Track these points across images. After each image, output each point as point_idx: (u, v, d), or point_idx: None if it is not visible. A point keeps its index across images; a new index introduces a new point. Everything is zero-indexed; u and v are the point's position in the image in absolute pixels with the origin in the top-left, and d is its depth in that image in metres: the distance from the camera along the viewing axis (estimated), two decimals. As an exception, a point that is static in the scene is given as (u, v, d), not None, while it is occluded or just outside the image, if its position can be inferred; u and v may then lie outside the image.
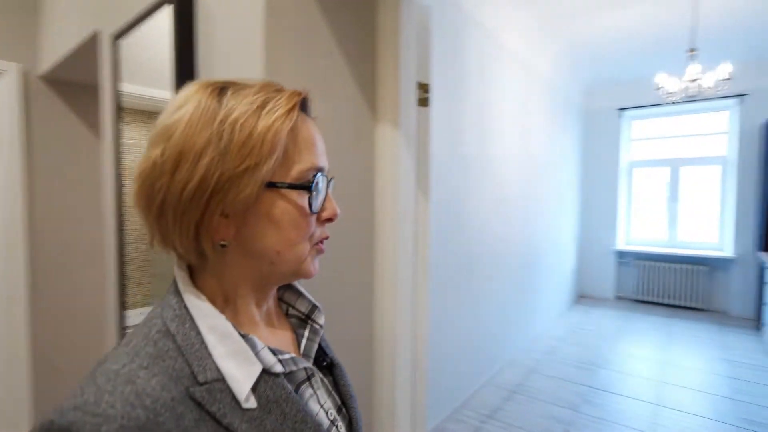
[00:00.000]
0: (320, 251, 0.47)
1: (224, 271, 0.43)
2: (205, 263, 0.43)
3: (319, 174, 0.44)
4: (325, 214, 0.46)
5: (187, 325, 0.39)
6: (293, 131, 0.42)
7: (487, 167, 2.94)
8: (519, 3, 3.04)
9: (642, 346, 3.78)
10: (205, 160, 0.37)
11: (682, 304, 4.93)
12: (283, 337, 0.50)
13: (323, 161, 0.46)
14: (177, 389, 0.35)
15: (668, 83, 2.83)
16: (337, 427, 0.48)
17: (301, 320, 0.53)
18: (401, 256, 1.01)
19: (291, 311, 0.54)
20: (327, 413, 0.48)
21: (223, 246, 0.41)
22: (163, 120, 0.40)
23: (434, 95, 2.28)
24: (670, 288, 5.01)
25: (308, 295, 0.54)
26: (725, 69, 2.63)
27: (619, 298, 5.46)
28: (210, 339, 0.39)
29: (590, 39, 3.85)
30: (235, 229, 0.41)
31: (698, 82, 2.65)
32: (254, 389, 0.39)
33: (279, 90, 0.42)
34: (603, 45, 4.00)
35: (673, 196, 5.16)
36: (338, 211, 0.47)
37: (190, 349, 0.38)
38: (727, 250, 4.72)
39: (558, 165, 4.54)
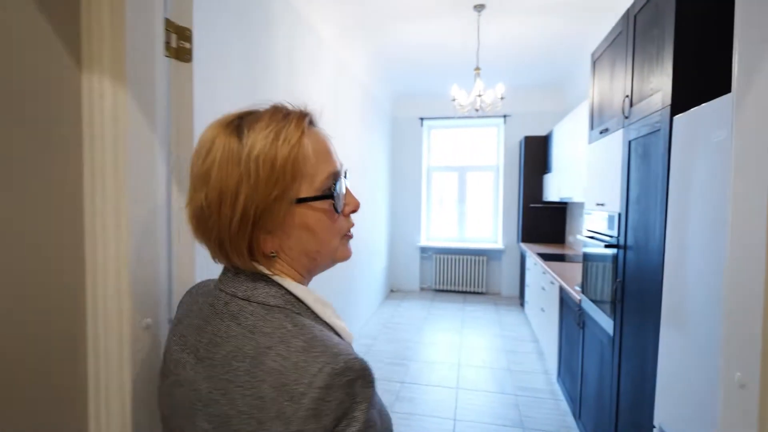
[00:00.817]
0: (349, 238, 0.58)
1: (296, 267, 0.55)
2: (276, 268, 0.53)
3: (337, 178, 0.54)
4: (348, 209, 0.57)
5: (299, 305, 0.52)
6: (308, 151, 0.50)
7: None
8: (330, -6, 2.90)
9: (443, 332, 4.19)
10: (242, 197, 0.46)
11: (470, 290, 5.77)
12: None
13: (337, 163, 0.56)
14: (357, 358, 0.47)
15: (460, 96, 3.13)
16: None
17: None
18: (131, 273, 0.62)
19: None
20: None
21: (273, 256, 0.51)
22: (198, 167, 0.48)
23: (233, 74, 1.88)
24: (460, 277, 5.80)
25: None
26: (500, 89, 3.08)
27: (422, 289, 6.05)
28: (317, 308, 0.54)
29: (396, 49, 4.04)
30: (279, 241, 0.51)
31: (482, 97, 3.01)
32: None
33: (286, 115, 0.52)
34: (407, 57, 4.27)
35: (461, 197, 6.00)
36: (359, 202, 0.58)
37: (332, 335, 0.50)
38: (499, 243, 5.75)
39: (370, 167, 4.66)
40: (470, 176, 5.98)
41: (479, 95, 2.95)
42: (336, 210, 0.53)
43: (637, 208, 1.57)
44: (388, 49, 4.00)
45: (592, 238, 2.12)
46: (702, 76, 1.29)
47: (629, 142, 1.66)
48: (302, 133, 0.50)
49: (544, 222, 5.09)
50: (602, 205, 1.99)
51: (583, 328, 2.26)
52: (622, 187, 1.71)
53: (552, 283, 3.09)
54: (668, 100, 1.32)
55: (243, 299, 0.50)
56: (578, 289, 2.58)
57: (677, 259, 1.23)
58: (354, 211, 0.57)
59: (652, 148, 1.45)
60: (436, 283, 5.93)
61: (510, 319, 4.60)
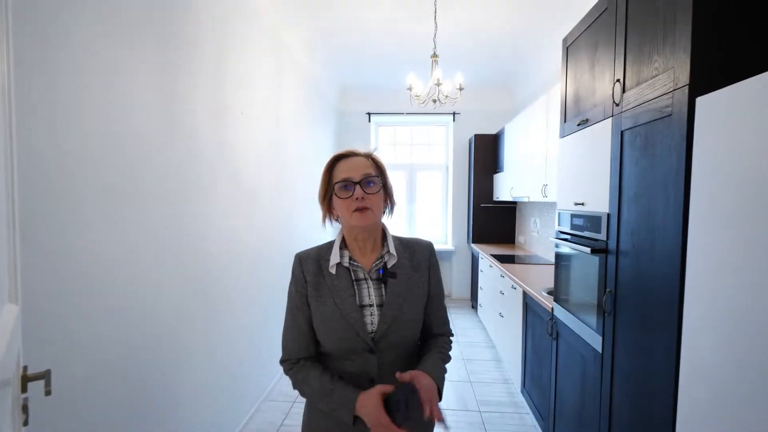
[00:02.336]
0: (358, 210, 0.96)
1: (344, 226, 1.04)
2: (342, 225, 1.04)
3: (342, 181, 0.97)
4: (354, 196, 0.96)
5: (330, 243, 1.05)
6: (334, 170, 1.01)
7: (229, 159, 2.24)
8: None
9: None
10: (322, 191, 1.04)
11: (420, 293, 5.54)
12: (364, 259, 1.03)
13: (346, 175, 0.98)
14: (317, 256, 1.03)
15: (417, 85, 2.85)
16: (371, 309, 0.99)
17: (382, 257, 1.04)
18: None
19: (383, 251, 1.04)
20: (369, 296, 0.99)
21: (337, 219, 1.05)
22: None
23: (134, 42, 1.42)
24: (411, 280, 5.55)
25: (389, 244, 1.04)
26: (459, 79, 2.84)
27: (371, 294, 5.72)
28: (336, 245, 1.03)
29: (343, 33, 3.68)
30: (337, 213, 1.03)
31: (440, 87, 2.76)
32: (336, 267, 1.00)
33: (337, 153, 1.04)
34: (355, 43, 3.92)
35: (411, 197, 5.78)
36: (361, 193, 0.95)
37: (327, 248, 1.04)
38: (449, 243, 5.59)
39: (314, 162, 4.25)
40: (420, 175, 5.77)
41: (437, 84, 2.68)
42: (342, 197, 0.98)
43: (636, 208, 1.36)
44: (334, 32, 3.62)
45: (566, 240, 1.92)
46: (721, 50, 1.09)
47: (622, 133, 1.45)
48: (332, 163, 1.04)
49: (494, 222, 5.00)
50: (581, 204, 1.79)
51: (556, 339, 2.07)
52: (612, 184, 1.51)
53: (513, 287, 2.91)
54: (685, 79, 1.11)
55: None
56: (546, 294, 2.40)
57: (708, 265, 1.01)
58: (358, 199, 0.96)
59: (657, 137, 1.24)
60: (385, 287, 5.63)
61: (463, 323, 4.43)
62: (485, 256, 4.02)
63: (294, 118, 3.45)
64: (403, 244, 1.08)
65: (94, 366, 1.28)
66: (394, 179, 5.70)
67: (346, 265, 1.01)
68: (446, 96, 2.89)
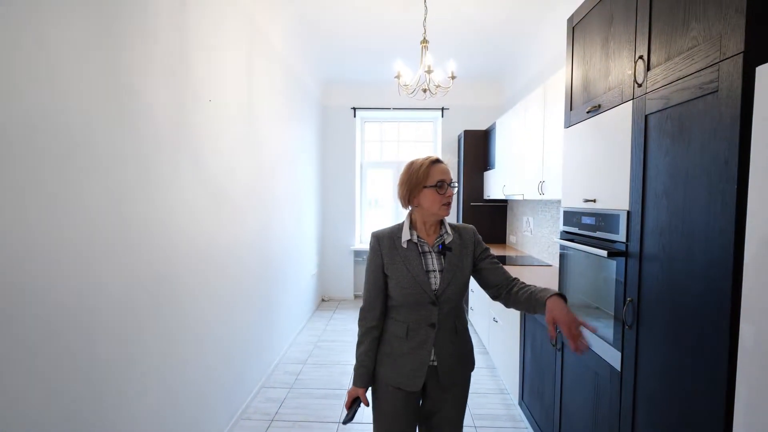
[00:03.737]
0: (446, 204, 1.31)
1: (418, 213, 1.35)
2: (415, 211, 1.37)
3: (441, 181, 1.30)
4: (446, 194, 1.30)
5: (401, 223, 1.39)
6: (430, 170, 1.31)
7: (193, 150, 1.97)
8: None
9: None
10: (405, 181, 1.34)
11: (408, 295, 5.33)
12: (428, 237, 1.36)
13: (442, 177, 1.31)
14: (391, 234, 1.37)
15: (405, 73, 2.63)
16: (435, 273, 1.33)
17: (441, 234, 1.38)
18: None
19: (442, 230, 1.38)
20: (432, 264, 1.33)
21: (417, 206, 1.34)
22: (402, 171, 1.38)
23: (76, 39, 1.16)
24: (398, 282, 5.34)
25: (446, 227, 1.38)
26: (450, 66, 2.62)
27: (357, 296, 5.49)
28: (406, 226, 1.36)
29: (324, 19, 3.43)
30: (418, 201, 1.33)
31: (431, 76, 2.54)
32: (407, 243, 1.34)
33: (428, 158, 1.34)
34: (338, 31, 3.67)
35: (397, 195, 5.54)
36: (452, 192, 1.32)
37: (398, 228, 1.38)
38: (438, 243, 5.38)
39: (297, 160, 3.99)
40: (407, 173, 5.54)
41: (427, 71, 2.46)
42: (438, 192, 1.31)
43: (666, 205, 1.16)
44: (315, 19, 3.37)
45: (572, 241, 1.72)
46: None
47: (646, 117, 1.25)
48: (428, 165, 1.33)
49: (485, 221, 4.82)
50: (592, 201, 1.59)
51: (561, 350, 1.87)
52: (634, 178, 1.31)
53: (510, 291, 2.70)
54: (736, 46, 0.91)
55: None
56: (547, 300, 2.20)
57: (775, 280, 0.81)
58: (448, 196, 1.33)
59: (696, 119, 1.04)
60: (371, 290, 5.40)
61: (454, 328, 4.23)
62: (477, 257, 3.82)
63: (272, 111, 3.18)
64: (453, 227, 1.42)
65: (17, 390, 1.01)
66: (381, 177, 5.36)
67: (415, 241, 1.36)
68: (437, 86, 2.67)
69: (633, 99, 1.32)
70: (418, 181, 1.31)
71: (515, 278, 1.40)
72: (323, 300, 5.35)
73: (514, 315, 2.62)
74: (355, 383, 1.38)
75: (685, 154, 1.09)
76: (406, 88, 2.67)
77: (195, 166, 1.95)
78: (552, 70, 3.43)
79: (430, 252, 1.36)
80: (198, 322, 1.99)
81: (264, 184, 3.00)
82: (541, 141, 2.92)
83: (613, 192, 1.44)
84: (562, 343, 1.86)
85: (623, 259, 1.36)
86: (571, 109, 1.82)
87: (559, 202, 3.24)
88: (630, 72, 1.34)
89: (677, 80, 1.11)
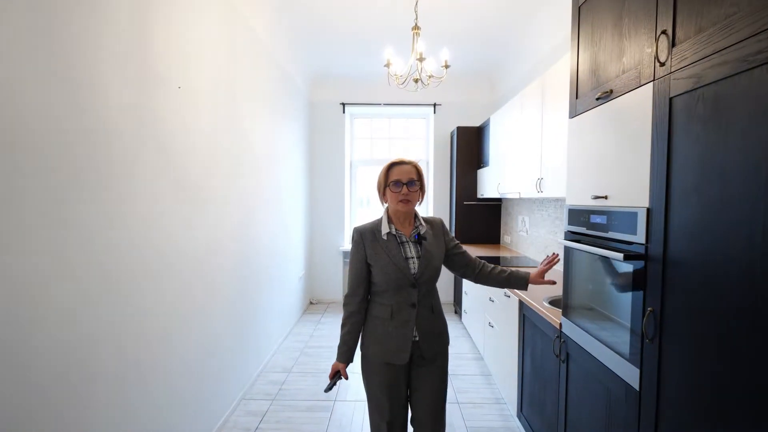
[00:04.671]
0: (402, 201, 1.50)
1: (390, 208, 1.56)
2: (389, 207, 1.57)
3: (395, 181, 1.51)
4: (401, 191, 1.49)
5: (381, 218, 1.58)
6: (390, 172, 1.53)
7: (159, 144, 1.77)
8: None
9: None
10: (378, 183, 1.59)
11: (400, 297, 5.15)
12: (404, 229, 1.56)
13: (398, 178, 1.50)
14: (372, 229, 1.56)
15: (396, 62, 2.45)
16: (413, 260, 1.53)
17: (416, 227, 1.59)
18: None
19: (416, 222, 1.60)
20: (410, 252, 1.53)
21: (387, 203, 1.58)
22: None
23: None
24: (389, 283, 5.16)
25: (420, 220, 1.60)
26: (444, 55, 2.45)
27: (347, 299, 5.30)
28: (384, 220, 1.56)
29: (311, 10, 3.24)
30: (386, 199, 1.57)
31: (423, 64, 2.36)
32: (387, 235, 1.53)
33: (389, 161, 1.56)
34: (325, 25, 3.48)
35: (389, 194, 5.37)
36: (406, 191, 1.50)
37: (378, 223, 1.57)
38: (430, 244, 5.21)
39: (283, 158, 3.79)
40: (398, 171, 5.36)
41: (419, 59, 2.28)
42: (393, 190, 1.51)
43: (698, 201, 0.99)
44: (301, 8, 3.18)
45: (578, 241, 1.56)
46: None
47: (671, 101, 1.09)
48: (387, 168, 1.54)
49: (478, 220, 4.66)
50: (603, 198, 1.42)
51: (567, 361, 1.71)
52: (656, 170, 1.15)
53: (507, 295, 2.55)
54: (796, 7, 0.74)
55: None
56: (549, 305, 2.04)
57: None
58: (404, 195, 1.51)
59: (737, 99, 0.88)
60: (361, 292, 5.22)
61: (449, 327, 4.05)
62: (471, 258, 3.65)
63: (257, 104, 2.99)
64: (425, 220, 1.64)
65: None
66: (371, 176, 5.16)
67: (394, 233, 1.54)
68: (429, 76, 2.50)
69: (654, 80, 1.16)
70: (383, 182, 1.56)
71: (482, 261, 1.74)
72: (311, 302, 5.15)
73: (511, 320, 2.46)
74: (338, 359, 1.59)
75: (721, 142, 0.92)
76: (396, 78, 2.49)
77: (163, 166, 1.75)
78: (549, 63, 3.28)
79: (407, 242, 1.57)
80: (162, 332, 1.79)
81: (246, 183, 2.80)
82: (539, 136, 2.77)
83: (629, 187, 1.28)
84: (567, 354, 1.70)
85: (642, 262, 1.19)
86: (577, 98, 1.66)
87: (557, 200, 3.09)
88: (650, 50, 1.18)
89: (712, 54, 0.95)
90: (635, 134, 1.25)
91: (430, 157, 5.21)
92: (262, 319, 3.17)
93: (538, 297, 2.18)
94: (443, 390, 1.63)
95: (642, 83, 1.22)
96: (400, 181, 1.50)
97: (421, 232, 1.57)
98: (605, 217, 1.41)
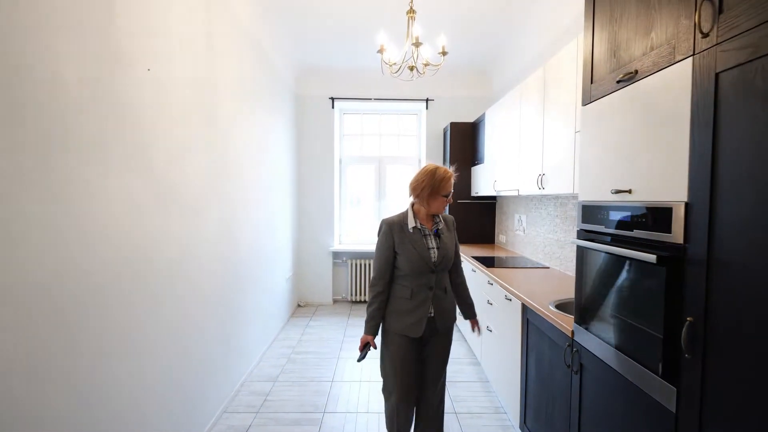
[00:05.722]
0: (443, 206, 1.83)
1: (423, 207, 1.82)
2: (419, 204, 1.83)
3: (447, 193, 1.80)
4: (447, 200, 1.82)
5: (405, 213, 1.86)
6: (447, 183, 1.78)
7: (127, 132, 1.56)
8: None
9: (367, 360, 3.29)
10: (428, 185, 1.78)
11: (391, 299, 4.99)
12: (427, 224, 1.84)
13: (451, 190, 1.80)
14: (399, 222, 1.82)
15: (389, 48, 2.27)
16: (433, 250, 1.81)
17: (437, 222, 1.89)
18: None
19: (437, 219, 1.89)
20: (431, 243, 1.82)
21: (424, 203, 1.80)
22: (417, 172, 1.85)
23: None
24: (380, 285, 4.99)
25: (439, 217, 1.89)
26: (441, 41, 2.29)
27: (336, 301, 5.11)
28: (410, 215, 1.83)
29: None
30: (428, 201, 1.79)
31: (419, 50, 2.19)
32: (413, 229, 1.81)
33: (447, 172, 1.79)
34: (313, 12, 3.29)
35: (380, 193, 5.20)
36: (450, 200, 1.84)
37: (404, 217, 1.84)
38: (422, 244, 5.05)
39: (268, 154, 3.58)
40: (390, 169, 5.20)
41: (415, 44, 2.11)
42: (446, 198, 1.82)
43: (752, 193, 0.84)
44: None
45: (593, 240, 1.41)
46: None
47: (717, 76, 0.93)
48: (449, 178, 1.79)
49: (473, 219, 4.52)
50: (626, 192, 1.27)
51: (580, 373, 1.55)
52: (697, 158, 0.99)
53: (508, 298, 2.39)
54: None
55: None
56: (556, 310, 1.89)
57: None
58: (450, 202, 1.85)
59: (816, 68, 0.72)
60: (352, 294, 5.04)
61: (441, 335, 3.89)
62: (466, 258, 3.50)
63: (239, 96, 2.78)
64: (442, 218, 1.92)
65: None
66: (362, 173, 4.97)
67: (419, 227, 1.83)
68: (425, 64, 2.33)
69: (694, 54, 1.01)
70: (437, 189, 1.78)
71: (459, 270, 2.03)
72: (299, 305, 4.95)
73: (513, 325, 2.31)
74: (366, 332, 1.86)
75: (790, 120, 0.77)
76: (390, 66, 2.32)
77: (129, 155, 1.55)
78: (548, 55, 3.14)
79: (429, 235, 1.84)
80: (130, 345, 1.58)
81: (228, 180, 2.60)
82: (541, 130, 2.62)
83: (660, 179, 1.12)
84: (581, 364, 1.55)
85: (679, 265, 1.04)
86: (592, 82, 1.51)
87: (558, 197, 2.94)
88: (688, 21, 1.03)
89: (776, 17, 0.79)
90: (668, 118, 1.09)
91: (423, 154, 5.05)
92: (246, 325, 2.97)
93: (543, 301, 2.03)
94: (447, 354, 1.98)
95: (677, 59, 1.06)
96: (450, 193, 1.81)
97: (440, 227, 1.87)
98: (629, 213, 1.25)
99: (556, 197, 3.01)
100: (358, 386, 2.88)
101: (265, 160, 3.49)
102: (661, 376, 1.10)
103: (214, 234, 2.38)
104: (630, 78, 1.26)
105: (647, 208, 1.17)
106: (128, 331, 1.56)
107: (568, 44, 2.26)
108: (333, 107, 4.89)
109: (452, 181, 1.80)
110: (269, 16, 3.27)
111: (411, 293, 1.80)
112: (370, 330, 1.85)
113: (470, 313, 2.07)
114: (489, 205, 4.52)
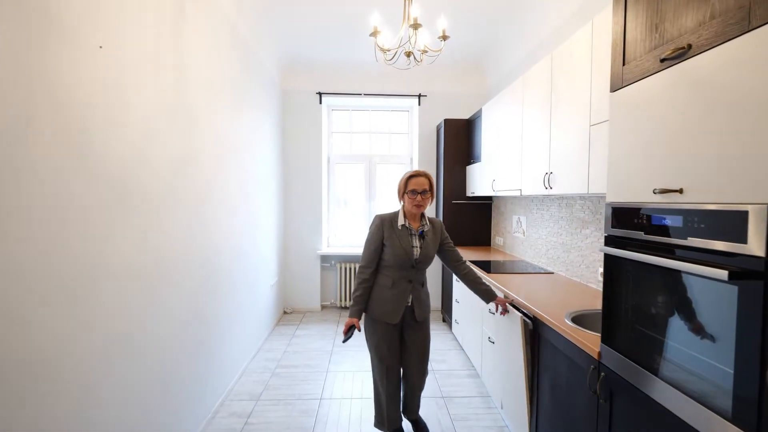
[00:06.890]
0: (416, 205, 2.00)
1: (405, 207, 2.06)
2: (404, 206, 2.08)
3: (412, 191, 2.00)
4: (416, 199, 1.99)
5: (398, 212, 2.08)
6: (408, 182, 2.02)
7: (68, 117, 1.29)
8: None
9: (358, 373, 3.06)
10: (398, 187, 2.09)
11: (382, 304, 4.75)
12: (414, 224, 2.05)
13: (414, 188, 2.00)
14: (391, 219, 2.06)
15: (384, 33, 2.03)
16: (416, 248, 2.04)
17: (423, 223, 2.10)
18: None
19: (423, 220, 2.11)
20: (415, 242, 2.04)
21: (403, 204, 2.07)
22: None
23: None
24: (371, 290, 4.74)
25: (425, 220, 2.10)
26: (441, 25, 2.06)
27: (325, 307, 4.85)
28: (401, 215, 2.06)
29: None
30: (403, 200, 2.06)
31: (417, 32, 1.96)
32: (401, 226, 2.04)
33: (408, 173, 2.04)
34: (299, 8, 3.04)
35: (370, 194, 4.96)
36: (420, 198, 2.00)
37: (396, 215, 2.07)
38: (415, 246, 4.83)
39: (250, 152, 3.31)
40: (380, 169, 4.96)
41: (413, 26, 1.88)
42: (411, 196, 2.01)
43: None
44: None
45: (625, 247, 1.20)
46: None
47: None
48: (408, 178, 2.02)
49: (468, 221, 4.31)
50: (676, 192, 1.06)
51: (610, 401, 1.34)
52: (787, 148, 0.78)
53: (514, 306, 2.17)
54: None
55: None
56: (573, 325, 1.68)
57: None
58: (418, 201, 2.01)
59: None
60: (341, 299, 4.79)
61: (436, 343, 3.66)
62: (463, 262, 3.28)
63: (215, 86, 2.51)
64: (429, 220, 2.12)
65: None
66: (351, 173, 4.72)
67: (407, 226, 2.04)
68: (423, 51, 2.10)
69: (783, 18, 0.79)
70: (404, 188, 2.04)
71: (463, 261, 2.20)
72: (285, 312, 4.67)
73: (516, 336, 2.09)
74: (351, 315, 2.03)
75: None
76: (384, 52, 2.08)
77: (72, 146, 1.28)
78: (550, 46, 2.95)
79: (415, 234, 2.05)
80: (76, 370, 1.31)
81: (202, 178, 2.33)
82: (547, 124, 2.41)
83: (727, 176, 0.91)
84: (610, 391, 1.33)
85: (761, 283, 0.83)
86: (624, 64, 1.29)
87: (563, 197, 2.74)
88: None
89: None
90: (738, 101, 0.88)
91: (415, 153, 4.83)
92: (224, 338, 2.70)
93: (558, 313, 1.82)
94: (427, 346, 2.18)
95: (753, 26, 0.85)
96: (416, 191, 1.99)
97: (425, 230, 2.07)
98: (680, 218, 1.04)
99: (561, 197, 2.81)
100: (349, 404, 2.64)
101: (247, 157, 3.21)
102: (730, 420, 0.89)
103: (184, 238, 2.11)
104: (681, 54, 1.05)
105: (708, 212, 0.96)
106: (78, 347, 1.29)
107: (580, 28, 2.06)
108: (321, 102, 4.63)
109: (417, 180, 1.98)
110: (252, 4, 3.00)
111: (392, 282, 2.02)
112: (356, 313, 2.03)
113: (490, 297, 2.17)
114: (485, 206, 4.32)
